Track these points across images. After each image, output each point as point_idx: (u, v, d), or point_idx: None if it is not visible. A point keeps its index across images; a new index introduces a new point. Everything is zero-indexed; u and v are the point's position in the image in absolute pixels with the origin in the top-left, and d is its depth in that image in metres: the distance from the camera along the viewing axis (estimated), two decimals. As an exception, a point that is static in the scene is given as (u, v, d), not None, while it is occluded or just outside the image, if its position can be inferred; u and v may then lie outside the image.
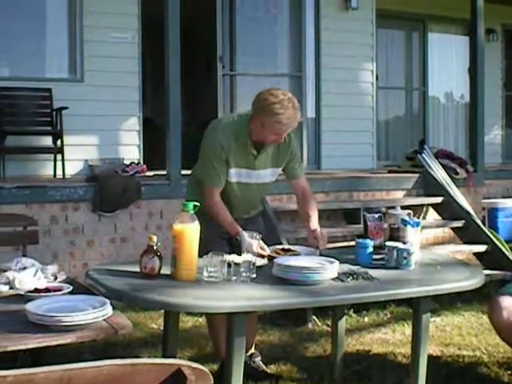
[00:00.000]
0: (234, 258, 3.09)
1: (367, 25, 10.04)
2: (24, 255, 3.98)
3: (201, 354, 4.71)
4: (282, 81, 9.81)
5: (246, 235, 3.49)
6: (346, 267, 3.31)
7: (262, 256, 3.46)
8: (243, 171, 3.76)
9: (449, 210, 7.78)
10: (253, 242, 3.44)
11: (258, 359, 4.22)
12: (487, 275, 5.13)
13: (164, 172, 7.17)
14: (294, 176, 3.97)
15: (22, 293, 2.76)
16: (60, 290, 2.79)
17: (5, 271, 3.00)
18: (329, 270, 3.09)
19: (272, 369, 4.35)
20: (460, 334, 5.24)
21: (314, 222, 3.80)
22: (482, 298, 5.88)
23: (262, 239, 3.56)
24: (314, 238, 3.68)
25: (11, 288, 2.86)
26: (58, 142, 7.56)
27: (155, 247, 3.03)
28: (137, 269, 3.07)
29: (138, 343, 4.94)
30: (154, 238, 3.05)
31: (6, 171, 7.44)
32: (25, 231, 4.30)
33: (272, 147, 3.79)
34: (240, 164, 3.74)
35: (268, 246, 3.60)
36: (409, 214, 3.77)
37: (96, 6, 8.13)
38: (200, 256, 3.09)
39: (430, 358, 3.79)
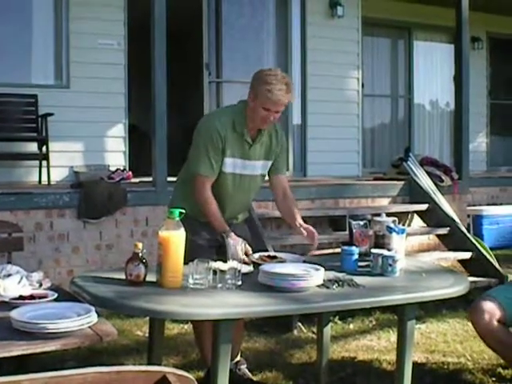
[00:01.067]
0: (219, 265, 3.09)
1: (353, 32, 10.08)
2: (9, 262, 3.96)
3: (186, 361, 4.70)
4: (268, 88, 9.81)
5: (231, 242, 3.49)
6: (332, 274, 3.31)
7: (247, 262, 3.47)
8: (238, 161, 3.78)
9: (434, 217, 7.81)
10: (238, 247, 3.45)
11: (243, 367, 4.21)
12: (472, 282, 5.16)
13: (150, 178, 7.16)
14: (278, 170, 3.99)
15: (7, 300, 2.74)
16: (45, 297, 2.78)
17: (-11, 278, 2.99)
18: (314, 277, 3.09)
19: (258, 376, 4.34)
20: (445, 341, 5.25)
21: (300, 218, 3.82)
22: (466, 305, 5.85)
23: (250, 245, 3.57)
24: (306, 233, 3.69)
25: (-4, 295, 2.84)
26: (44, 148, 7.51)
27: (140, 254, 3.03)
28: (122, 276, 3.06)
29: (123, 350, 4.92)
30: (140, 245, 3.05)
31: (-10, 178, 7.41)
32: (10, 238, 4.28)
33: (266, 138, 3.84)
34: (236, 153, 3.76)
35: (254, 252, 3.60)
36: (394, 221, 3.79)
37: (82, 13, 8.12)
38: (186, 263, 3.09)
39: (415, 364, 3.79)
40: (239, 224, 4.04)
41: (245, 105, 3.76)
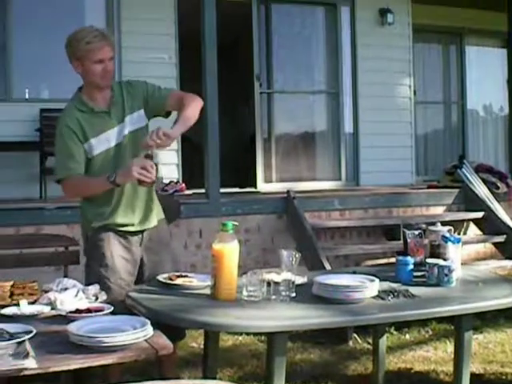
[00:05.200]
0: (273, 276, 3.08)
1: (404, 40, 10.01)
2: (65, 276, 4.02)
3: (241, 373, 4.68)
4: (319, 97, 9.83)
5: (285, 253, 3.28)
6: (387, 285, 3.28)
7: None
8: (110, 132, 3.54)
9: (490, 224, 7.70)
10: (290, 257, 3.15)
11: None
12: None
13: (203, 190, 7.19)
14: (164, 98, 3.65)
15: (64, 313, 2.78)
16: (101, 311, 2.80)
17: (46, 292, 3.03)
18: (369, 288, 3.07)
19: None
20: (503, 351, 5.17)
21: (178, 128, 3.44)
22: (525, 314, 5.80)
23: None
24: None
25: (53, 309, 2.88)
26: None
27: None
28: (177, 289, 3.10)
29: (178, 362, 4.93)
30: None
31: (47, 192, 7.50)
32: (66, 252, 4.34)
33: (119, 97, 3.61)
34: (101, 129, 3.53)
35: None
36: (449, 230, 3.74)
37: (133, 27, 8.21)
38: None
39: (473, 375, 3.73)
40: (157, 227, 3.70)
41: (78, 90, 3.65)
